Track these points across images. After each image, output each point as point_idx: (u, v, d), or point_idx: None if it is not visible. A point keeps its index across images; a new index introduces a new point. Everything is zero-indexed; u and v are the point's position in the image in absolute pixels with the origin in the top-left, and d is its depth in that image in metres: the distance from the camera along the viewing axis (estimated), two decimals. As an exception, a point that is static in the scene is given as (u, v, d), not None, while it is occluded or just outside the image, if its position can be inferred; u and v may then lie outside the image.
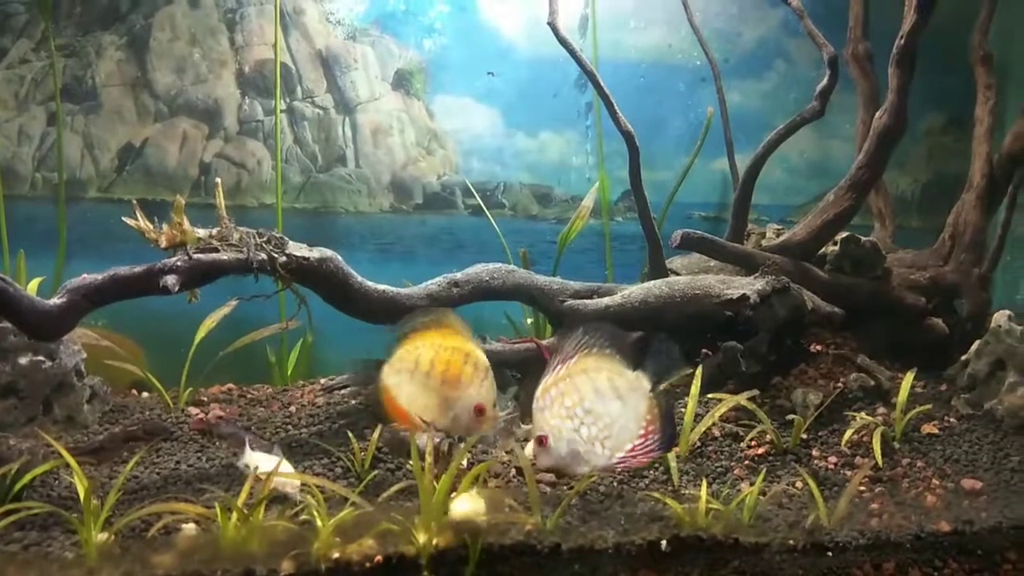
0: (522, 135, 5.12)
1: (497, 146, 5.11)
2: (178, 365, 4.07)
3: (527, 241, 4.99)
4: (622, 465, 2.84)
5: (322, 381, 4.22)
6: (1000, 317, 4.07)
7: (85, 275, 3.04)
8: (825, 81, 4.15)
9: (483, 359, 3.03)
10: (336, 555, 2.49)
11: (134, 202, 3.03)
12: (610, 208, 5.16)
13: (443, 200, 5.08)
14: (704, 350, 3.96)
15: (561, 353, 2.82)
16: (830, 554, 2.78)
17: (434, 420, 2.96)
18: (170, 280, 2.90)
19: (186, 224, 3.00)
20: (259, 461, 2.95)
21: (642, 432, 2.84)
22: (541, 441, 2.75)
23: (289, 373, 4.50)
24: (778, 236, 4.46)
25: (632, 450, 2.82)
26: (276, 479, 2.81)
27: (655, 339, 3.01)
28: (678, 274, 4.29)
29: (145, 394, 4.25)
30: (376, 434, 3.26)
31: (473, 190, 4.99)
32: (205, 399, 4.10)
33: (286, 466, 2.92)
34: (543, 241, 5.05)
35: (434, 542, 2.55)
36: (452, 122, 5.03)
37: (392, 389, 2.99)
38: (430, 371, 2.95)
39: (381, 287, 3.65)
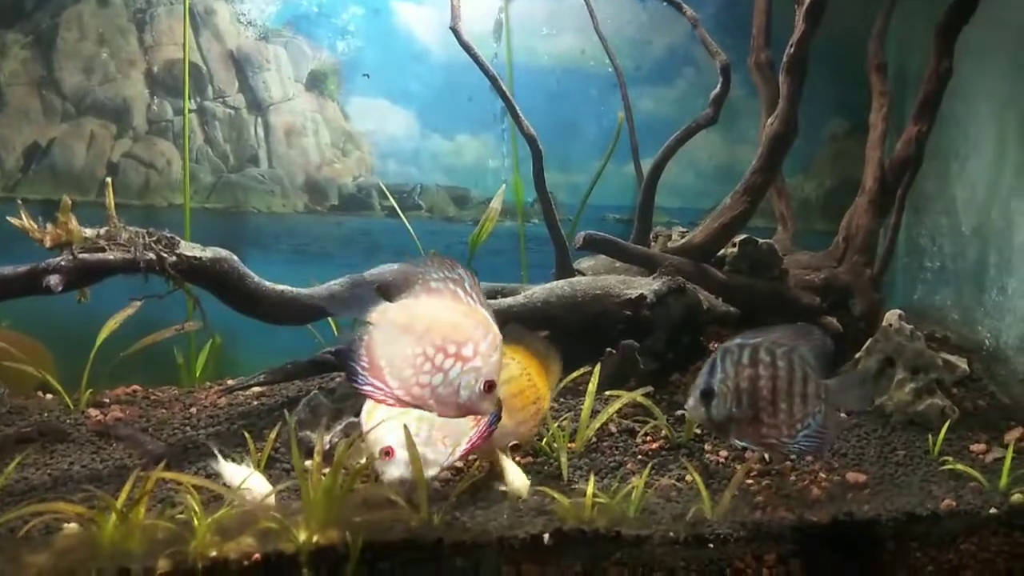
0: (438, 137, 5.15)
1: (413, 148, 5.13)
2: (85, 367, 4.01)
3: (444, 243, 5.04)
4: (467, 453, 2.91)
5: (229, 382, 4.20)
6: (891, 316, 4.22)
7: (-32, 275, 3.01)
8: (718, 88, 4.27)
9: (543, 411, 3.16)
10: (214, 553, 2.50)
11: (19, 201, 3.00)
12: (525, 210, 5.22)
13: (359, 202, 5.09)
14: (608, 349, 4.03)
15: None
16: (712, 546, 2.85)
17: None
18: (53, 280, 2.88)
19: (72, 223, 2.98)
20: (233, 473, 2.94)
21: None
22: (388, 452, 2.79)
23: (197, 375, 4.45)
24: (682, 238, 4.57)
25: (471, 439, 2.87)
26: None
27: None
28: (584, 275, 4.36)
29: (49, 396, 4.19)
30: (273, 434, 3.27)
31: (388, 192, 4.99)
32: (107, 400, 4.05)
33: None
34: (460, 243, 5.04)
35: (314, 539, 2.58)
36: (367, 124, 5.04)
37: None
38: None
39: (280, 287, 3.63)
